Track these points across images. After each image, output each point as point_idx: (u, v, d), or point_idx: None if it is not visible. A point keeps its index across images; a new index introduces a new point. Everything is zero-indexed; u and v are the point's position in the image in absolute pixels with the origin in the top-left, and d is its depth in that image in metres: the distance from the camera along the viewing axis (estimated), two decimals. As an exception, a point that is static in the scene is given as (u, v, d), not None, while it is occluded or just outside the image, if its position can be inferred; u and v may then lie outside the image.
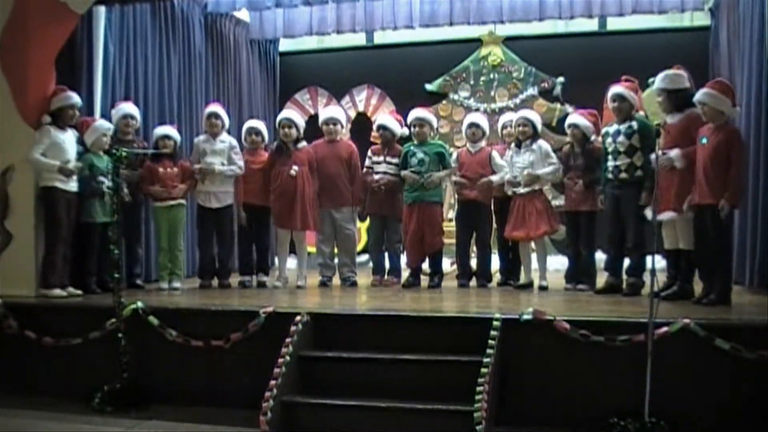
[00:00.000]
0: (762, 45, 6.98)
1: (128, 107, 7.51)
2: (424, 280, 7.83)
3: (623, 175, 6.72)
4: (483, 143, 7.85)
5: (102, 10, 7.47)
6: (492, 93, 10.64)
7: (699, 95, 6.00)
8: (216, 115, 7.80)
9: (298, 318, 5.47)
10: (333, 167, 7.89)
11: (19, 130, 6.71)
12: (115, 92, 7.79)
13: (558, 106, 10.32)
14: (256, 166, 7.82)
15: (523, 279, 7.60)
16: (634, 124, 6.74)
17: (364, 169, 7.99)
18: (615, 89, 6.90)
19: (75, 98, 6.90)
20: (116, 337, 5.73)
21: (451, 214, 9.31)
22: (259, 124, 8.09)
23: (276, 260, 8.37)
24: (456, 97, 10.75)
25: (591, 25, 10.07)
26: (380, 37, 10.84)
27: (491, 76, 10.65)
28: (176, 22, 8.91)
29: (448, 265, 8.33)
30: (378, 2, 9.65)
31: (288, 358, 5.20)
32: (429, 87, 10.81)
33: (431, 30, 10.10)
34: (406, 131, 7.98)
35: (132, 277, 7.58)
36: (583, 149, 7.24)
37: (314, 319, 5.58)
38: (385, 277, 7.98)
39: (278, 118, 8.08)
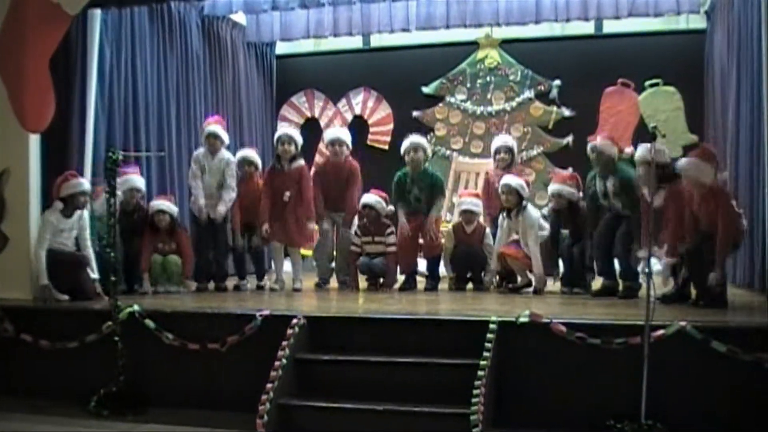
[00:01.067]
0: (759, 47, 6.98)
1: (135, 180, 7.44)
2: (420, 283, 7.83)
3: (624, 211, 6.73)
4: (477, 223, 7.83)
5: (98, 12, 7.44)
6: (488, 96, 10.65)
7: (680, 164, 5.96)
8: (215, 135, 7.77)
9: (294, 321, 5.46)
10: (336, 187, 7.94)
11: (16, 134, 6.69)
12: (112, 95, 7.81)
13: (554, 108, 10.34)
14: (250, 193, 7.87)
15: (519, 281, 7.61)
16: (617, 181, 6.71)
17: (352, 247, 7.89)
18: (591, 143, 6.83)
19: (85, 185, 6.89)
20: (113, 340, 5.72)
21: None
22: (252, 154, 8.07)
23: (272, 264, 8.36)
24: (452, 99, 10.76)
25: (587, 27, 10.10)
26: (377, 40, 10.85)
27: (488, 78, 10.66)
28: (173, 24, 8.92)
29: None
30: (374, 5, 9.65)
31: (284, 361, 5.19)
32: (426, 90, 10.82)
33: (428, 33, 10.11)
34: (391, 209, 7.93)
35: (129, 281, 7.54)
36: (571, 212, 7.24)
37: (311, 322, 5.57)
38: (381, 280, 7.96)
39: (277, 134, 8.03)
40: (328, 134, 8.20)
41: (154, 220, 7.44)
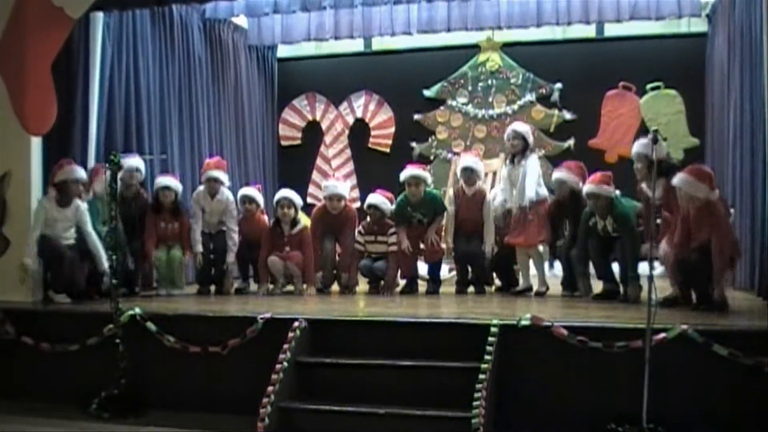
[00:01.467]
0: (760, 50, 6.98)
1: (134, 161, 7.44)
2: (422, 286, 7.82)
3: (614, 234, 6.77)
4: (478, 186, 7.82)
5: (100, 15, 7.47)
6: (490, 99, 10.66)
7: (676, 180, 5.95)
8: (215, 179, 7.78)
9: (295, 324, 5.46)
10: (336, 226, 7.96)
11: (17, 137, 6.71)
12: (113, 98, 7.81)
13: (556, 112, 10.35)
14: (251, 231, 7.91)
15: (521, 284, 7.60)
16: (614, 222, 6.71)
17: (356, 245, 7.89)
18: (586, 188, 6.81)
19: (79, 172, 6.89)
20: (114, 343, 5.71)
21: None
22: (253, 192, 8.07)
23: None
24: (454, 103, 10.77)
25: (588, 31, 10.10)
26: (378, 43, 10.87)
27: (489, 82, 10.67)
28: (175, 27, 8.93)
29: (446, 271, 8.32)
30: (376, 8, 9.65)
31: (285, 364, 5.19)
32: (427, 93, 10.83)
33: (429, 36, 10.10)
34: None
35: (130, 284, 7.57)
36: (572, 201, 7.19)
37: (312, 325, 5.57)
38: (383, 283, 7.95)
39: (276, 196, 7.94)
40: (327, 189, 8.10)
41: (158, 196, 7.49)
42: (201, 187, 7.90)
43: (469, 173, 7.77)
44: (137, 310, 5.91)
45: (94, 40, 7.48)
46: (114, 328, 5.77)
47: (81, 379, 5.91)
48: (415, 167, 7.87)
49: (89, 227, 6.89)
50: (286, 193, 7.92)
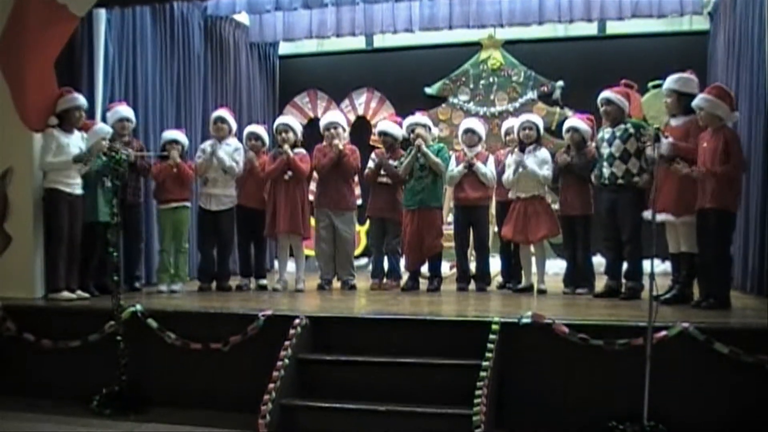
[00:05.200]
0: (761, 48, 6.98)
1: (124, 110, 7.51)
2: (423, 284, 7.82)
3: (620, 181, 6.73)
4: (479, 148, 7.85)
5: (102, 12, 7.47)
6: (491, 97, 10.65)
7: (696, 100, 6.04)
8: (222, 119, 7.82)
9: (297, 321, 5.47)
10: (334, 171, 7.88)
11: (19, 133, 6.70)
12: (115, 95, 7.80)
13: (557, 110, 10.34)
14: (255, 174, 7.84)
15: (523, 282, 7.60)
16: (629, 126, 6.76)
17: (366, 170, 8.00)
18: (603, 93, 6.96)
19: (81, 99, 6.90)
20: (115, 339, 5.73)
21: (450, 218, 9.31)
22: (259, 129, 8.09)
23: (275, 263, 8.35)
24: (455, 100, 10.76)
25: (590, 28, 10.09)
26: (380, 41, 10.85)
27: (491, 79, 10.66)
28: (176, 24, 8.92)
29: (447, 268, 8.33)
30: (377, 5, 9.65)
31: (287, 361, 5.19)
32: (428, 90, 10.82)
33: (431, 33, 10.10)
34: (406, 133, 7.98)
35: (131, 280, 7.59)
36: (579, 153, 7.25)
37: (313, 322, 5.57)
38: (384, 280, 7.97)
39: (275, 123, 8.09)
40: (322, 120, 8.22)
41: (165, 148, 7.53)
42: (209, 140, 7.90)
43: (471, 134, 7.81)
44: (138, 307, 5.92)
45: (98, 38, 7.48)
46: (115, 324, 5.78)
47: (82, 376, 5.92)
48: (417, 114, 8.03)
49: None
50: (283, 118, 8.14)
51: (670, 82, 6.49)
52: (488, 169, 7.65)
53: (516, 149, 7.60)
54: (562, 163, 7.26)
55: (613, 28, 10.05)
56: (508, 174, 7.48)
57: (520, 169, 7.38)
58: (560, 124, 10.25)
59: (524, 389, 5.19)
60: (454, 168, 7.66)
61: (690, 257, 6.26)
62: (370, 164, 7.98)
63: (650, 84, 9.76)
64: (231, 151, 7.75)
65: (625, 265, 6.86)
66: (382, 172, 7.87)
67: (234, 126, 7.95)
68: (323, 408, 5.11)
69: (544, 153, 7.48)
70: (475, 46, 10.71)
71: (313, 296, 7.41)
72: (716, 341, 4.84)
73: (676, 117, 6.44)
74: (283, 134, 7.80)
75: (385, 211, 7.93)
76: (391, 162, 7.84)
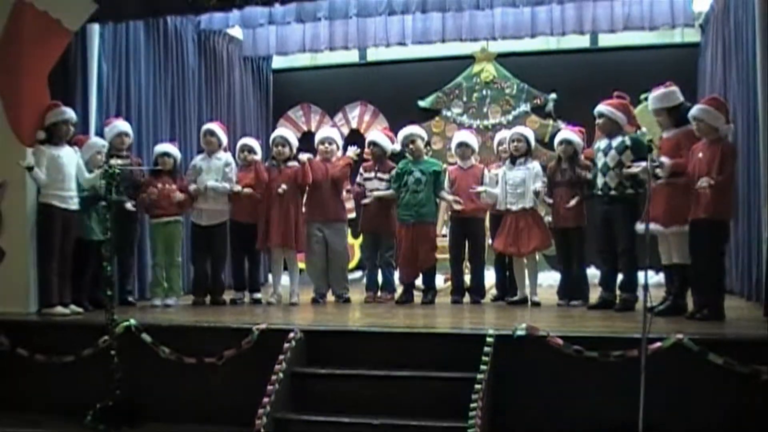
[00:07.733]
0: (753, 60, 7.01)
1: (122, 125, 7.53)
2: (418, 296, 7.82)
3: (613, 192, 6.75)
4: (473, 161, 7.86)
5: (96, 27, 7.48)
6: (485, 109, 10.69)
7: (695, 111, 6.03)
8: (212, 133, 7.81)
9: (291, 335, 5.45)
10: (325, 185, 7.88)
11: (12, 147, 6.68)
12: (109, 109, 7.81)
13: (550, 122, 10.37)
14: (249, 182, 7.79)
15: (518, 295, 7.59)
16: (627, 139, 6.79)
17: (355, 185, 8.04)
18: (598, 107, 6.97)
19: (69, 113, 6.86)
20: (109, 354, 5.71)
21: (445, 230, 9.32)
22: (252, 142, 8.08)
23: (269, 277, 8.34)
24: (449, 113, 10.79)
25: (583, 41, 10.13)
26: (373, 54, 10.89)
27: (484, 92, 10.70)
28: (169, 39, 8.94)
29: (441, 281, 8.33)
30: (371, 19, 9.69)
31: (281, 374, 5.18)
32: (422, 103, 10.85)
33: (424, 47, 10.12)
34: (397, 147, 8.00)
35: (124, 294, 7.57)
36: (571, 165, 7.26)
37: (307, 335, 5.56)
38: (378, 293, 7.96)
39: (272, 136, 8.11)
40: (318, 134, 8.28)
41: (157, 162, 7.53)
42: (200, 155, 7.91)
43: (464, 147, 7.83)
44: (132, 322, 5.90)
45: (91, 53, 7.49)
46: (109, 339, 5.76)
47: (76, 391, 5.89)
48: (411, 125, 8.05)
49: (86, 174, 6.86)
50: (280, 131, 8.15)
51: (655, 101, 6.46)
52: (494, 191, 7.60)
53: (507, 162, 7.61)
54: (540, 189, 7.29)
55: (606, 40, 10.08)
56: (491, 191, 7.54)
57: (484, 195, 7.48)
58: (553, 136, 10.31)
59: (519, 401, 5.19)
60: (487, 189, 7.59)
61: (682, 269, 6.27)
62: (359, 179, 8.04)
63: (642, 96, 9.82)
64: (221, 166, 7.73)
65: (620, 277, 6.86)
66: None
67: (224, 139, 7.92)
68: (318, 422, 5.09)
69: (535, 166, 7.48)
70: (468, 59, 10.75)
71: (307, 309, 7.40)
72: (710, 352, 4.85)
73: (668, 129, 6.45)
74: (280, 147, 7.81)
75: (378, 225, 7.94)
76: (377, 180, 7.89)
